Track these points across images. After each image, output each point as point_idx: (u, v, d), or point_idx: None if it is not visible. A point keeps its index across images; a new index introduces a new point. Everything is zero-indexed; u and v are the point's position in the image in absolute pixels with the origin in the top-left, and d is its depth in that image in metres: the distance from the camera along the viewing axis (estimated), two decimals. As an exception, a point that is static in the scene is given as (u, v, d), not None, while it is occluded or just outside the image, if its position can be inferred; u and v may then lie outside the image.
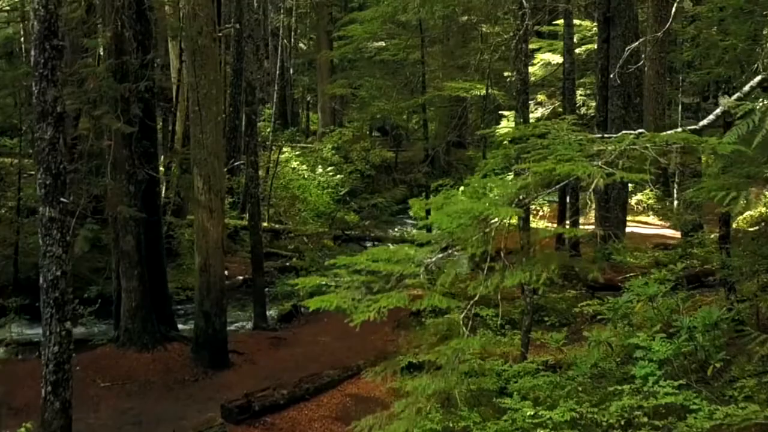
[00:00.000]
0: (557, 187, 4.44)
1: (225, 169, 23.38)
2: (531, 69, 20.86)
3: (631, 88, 18.65)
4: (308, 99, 37.94)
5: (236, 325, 17.07)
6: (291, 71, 35.71)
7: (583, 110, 24.10)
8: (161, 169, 24.39)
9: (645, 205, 24.11)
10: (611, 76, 14.23)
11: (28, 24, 19.05)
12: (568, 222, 20.05)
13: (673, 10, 13.02)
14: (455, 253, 4.68)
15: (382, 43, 19.61)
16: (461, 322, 4.35)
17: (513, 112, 24.22)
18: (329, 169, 28.76)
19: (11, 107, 20.26)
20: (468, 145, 31.26)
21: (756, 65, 10.45)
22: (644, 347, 8.67)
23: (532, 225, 18.83)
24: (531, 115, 18.30)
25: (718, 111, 4.86)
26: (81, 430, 10.12)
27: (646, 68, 20.05)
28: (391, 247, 4.87)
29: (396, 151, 31.02)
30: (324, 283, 5.02)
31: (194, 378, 12.93)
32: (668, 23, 12.91)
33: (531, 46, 19.26)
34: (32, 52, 8.26)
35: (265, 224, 23.01)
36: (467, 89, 17.51)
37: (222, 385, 12.72)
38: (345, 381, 12.46)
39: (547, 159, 4.56)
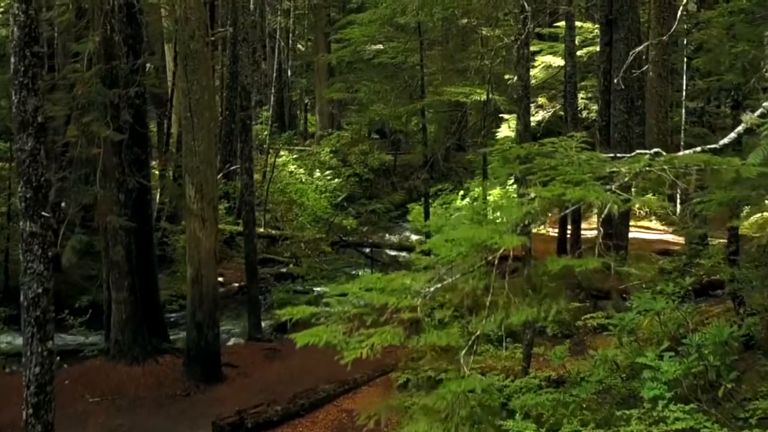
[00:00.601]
0: (567, 211, 4.07)
1: (221, 174, 23.12)
2: (531, 72, 20.48)
3: (634, 91, 18.28)
4: (306, 101, 37.56)
5: (230, 333, 16.73)
6: (289, 73, 35.32)
7: (584, 114, 23.72)
8: (156, 172, 24.10)
9: (647, 210, 23.74)
10: (615, 81, 13.83)
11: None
12: (569, 228, 19.72)
13: (679, 12, 12.66)
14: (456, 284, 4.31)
15: (380, 46, 19.24)
16: (462, 360, 3.97)
17: (513, 115, 23.93)
18: (327, 172, 28.38)
19: (5, 110, 19.90)
20: (467, 148, 30.88)
21: (764, 69, 10.13)
22: (652, 367, 8.31)
23: (533, 231, 18.53)
24: (532, 119, 17.95)
25: (740, 129, 4.50)
26: (67, 451, 9.76)
27: (649, 71, 19.67)
28: (386, 276, 4.49)
29: (395, 154, 30.64)
30: (314, 312, 4.65)
31: (186, 392, 12.56)
32: (673, 27, 12.55)
33: (531, 49, 18.90)
34: (12, 60, 7.89)
35: (261, 230, 22.65)
36: (467, 94, 17.14)
37: (215, 400, 12.35)
38: (341, 396, 12.08)
39: (555, 180, 4.20)
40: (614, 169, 4.17)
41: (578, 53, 22.14)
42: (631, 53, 12.75)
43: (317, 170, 28.72)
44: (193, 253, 12.74)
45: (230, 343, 15.46)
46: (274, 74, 29.65)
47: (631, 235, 19.59)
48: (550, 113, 24.68)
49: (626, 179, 4.02)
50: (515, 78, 12.81)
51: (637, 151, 4.30)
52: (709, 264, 12.25)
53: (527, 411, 9.85)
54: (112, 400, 12.18)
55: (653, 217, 24.13)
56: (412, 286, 4.37)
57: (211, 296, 12.87)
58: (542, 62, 24.00)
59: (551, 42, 25.32)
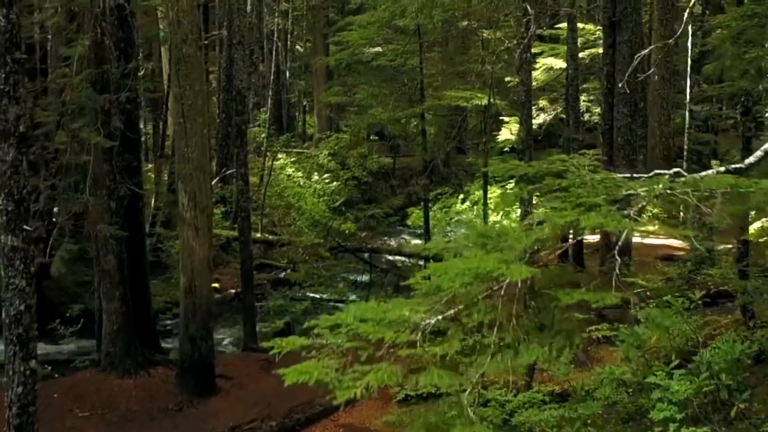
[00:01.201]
0: (579, 238, 3.72)
1: (217, 178, 22.79)
2: (533, 74, 20.14)
3: (638, 95, 17.92)
4: (305, 103, 37.17)
5: (226, 341, 16.38)
6: (287, 75, 34.95)
7: (586, 117, 23.36)
8: (151, 175, 23.74)
9: (650, 214, 23.35)
10: (620, 85, 13.47)
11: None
12: (571, 235, 19.29)
13: (686, 15, 12.33)
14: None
15: (379, 49, 18.87)
16: (466, 404, 3.63)
17: (514, 118, 23.58)
18: (325, 176, 28.03)
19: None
20: (467, 151, 30.53)
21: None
22: (662, 386, 7.98)
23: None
24: (533, 122, 17.60)
25: (766, 147, 4.15)
26: (53, 470, 9.41)
27: (654, 75, 19.32)
28: (382, 306, 4.14)
29: (394, 157, 30.27)
30: (305, 345, 4.30)
31: (178, 406, 12.20)
32: (680, 30, 12.23)
33: (532, 51, 18.55)
34: (-8, 67, 7.53)
35: (258, 235, 22.29)
36: (467, 98, 16.77)
37: (208, 414, 12.00)
38: (339, 409, 11.72)
39: (567, 202, 3.85)
40: (631, 192, 3.83)
41: (580, 55, 21.75)
42: (636, 57, 12.44)
43: (315, 173, 28.37)
44: (186, 263, 12.38)
45: (225, 352, 15.11)
46: (272, 76, 29.28)
47: (634, 239, 19.21)
48: (551, 116, 24.32)
49: (645, 203, 3.67)
50: (517, 80, 12.53)
51: (656, 171, 3.95)
52: (718, 274, 11.94)
53: (531, 427, 9.51)
54: (102, 415, 11.83)
55: (656, 222, 23.77)
56: (411, 318, 4.02)
57: (205, 307, 12.51)
58: (543, 64, 23.63)
59: (552, 44, 24.96)
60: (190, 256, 12.30)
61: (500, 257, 3.77)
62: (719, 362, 8.48)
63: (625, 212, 3.58)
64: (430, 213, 21.21)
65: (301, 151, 30.93)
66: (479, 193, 24.98)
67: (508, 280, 3.70)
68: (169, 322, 16.98)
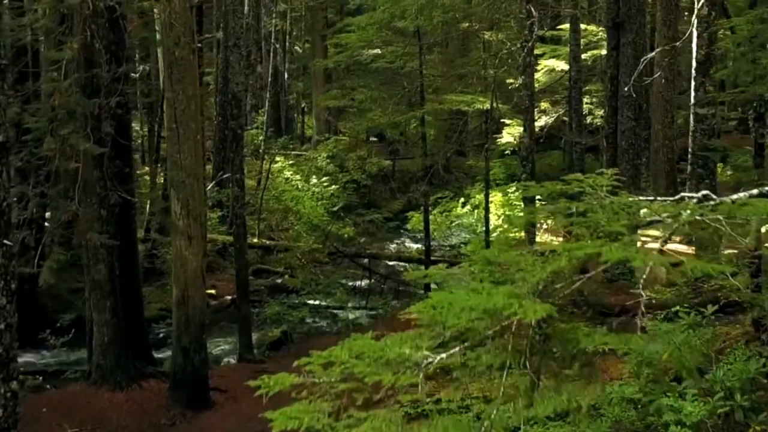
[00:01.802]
0: (595, 271, 3.35)
1: (213, 182, 22.39)
2: (534, 76, 19.75)
3: (642, 98, 17.56)
4: (303, 105, 36.77)
5: (221, 350, 16.00)
6: (286, 76, 34.56)
7: (588, 119, 22.98)
8: (146, 178, 23.35)
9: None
10: (626, 89, 13.11)
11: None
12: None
13: (694, 18, 11.97)
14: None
15: (378, 51, 18.50)
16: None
17: (515, 120, 23.21)
18: (324, 179, 27.63)
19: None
20: (468, 153, 30.17)
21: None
22: (675, 407, 7.62)
23: (537, 239, 17.75)
24: (534, 124, 17.22)
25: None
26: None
27: (662, 78, 18.91)
28: (379, 342, 3.77)
29: (394, 159, 29.89)
30: (295, 383, 3.93)
31: (171, 421, 11.82)
32: (688, 32, 11.86)
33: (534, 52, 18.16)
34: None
35: (255, 240, 21.92)
36: (469, 102, 16.39)
37: (201, 429, 11.64)
38: (337, 425, 11.35)
39: (586, 228, 3.47)
40: (655, 218, 3.45)
41: (582, 56, 21.39)
42: (643, 60, 12.09)
43: (314, 176, 27.99)
44: (179, 273, 12.00)
45: (220, 363, 14.73)
46: (270, 78, 28.88)
47: (638, 244, 18.81)
48: (553, 118, 23.95)
49: (672, 231, 3.29)
50: (519, 83, 12.17)
51: (683, 193, 3.58)
52: (728, 285, 11.56)
53: (535, 447, 9.13)
54: (92, 430, 11.44)
55: (659, 226, 23.38)
56: (412, 357, 3.64)
57: (198, 318, 12.13)
58: (545, 66, 23.28)
59: (554, 45, 24.61)
60: (183, 266, 11.92)
61: (511, 291, 3.40)
62: (733, 381, 8.12)
63: (651, 246, 3.20)
64: (430, 217, 20.84)
65: (299, 153, 30.54)
66: (480, 197, 24.60)
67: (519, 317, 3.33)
68: (164, 330, 16.62)
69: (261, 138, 26.25)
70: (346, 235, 23.29)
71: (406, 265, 21.17)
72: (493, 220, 23.12)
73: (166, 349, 15.20)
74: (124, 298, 12.64)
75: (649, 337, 8.11)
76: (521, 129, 19.05)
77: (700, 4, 11.91)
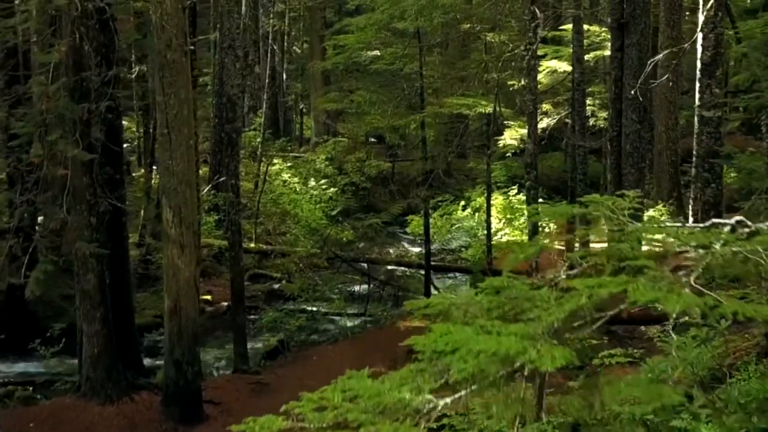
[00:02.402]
0: (618, 309, 2.97)
1: (209, 186, 22.01)
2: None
3: (647, 100, 17.17)
4: (302, 106, 36.39)
5: (215, 358, 15.63)
6: (284, 77, 34.17)
7: (591, 121, 22.57)
8: (142, 180, 22.96)
9: (659, 222, 22.58)
10: (632, 92, 12.72)
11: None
12: (577, 242, 18.53)
13: (701, 16, 11.60)
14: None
15: (377, 52, 18.12)
16: None
17: (517, 122, 22.84)
18: (322, 181, 27.26)
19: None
20: (468, 155, 29.81)
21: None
22: (689, 430, 7.24)
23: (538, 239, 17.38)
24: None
25: None
26: None
27: (668, 80, 18.55)
28: (376, 383, 3.39)
29: (393, 161, 29.52)
30: (282, 428, 3.56)
31: (163, 437, 11.46)
32: (696, 34, 11.49)
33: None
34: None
35: (252, 245, 21.57)
36: (470, 106, 16.01)
37: (194, 445, 11.27)
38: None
39: (607, 262, 3.09)
40: (684, 249, 3.07)
41: (585, 58, 20.98)
42: (649, 62, 11.71)
43: (312, 179, 27.62)
44: (171, 283, 11.62)
45: (214, 373, 14.35)
46: (268, 79, 28.50)
47: (642, 248, 18.43)
48: (555, 120, 23.54)
49: (703, 267, 2.91)
50: (522, 84, 11.83)
51: (714, 219, 3.20)
52: (736, 294, 11.22)
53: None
54: (81, 446, 11.08)
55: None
56: (412, 402, 3.26)
57: (191, 330, 11.75)
58: (547, 67, 22.86)
59: (556, 46, 24.21)
60: (175, 275, 11.54)
61: (524, 331, 3.02)
62: (749, 400, 7.76)
63: (683, 278, 2.83)
64: (431, 220, 20.49)
65: (297, 155, 30.17)
66: (481, 200, 24.26)
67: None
68: (158, 337, 16.26)
69: (258, 140, 25.86)
70: (344, 239, 22.90)
71: (406, 270, 20.81)
72: (495, 224, 22.77)
73: (161, 357, 14.84)
74: (115, 308, 12.28)
75: (662, 357, 7.70)
76: (523, 131, 18.70)
77: (708, 4, 11.53)
